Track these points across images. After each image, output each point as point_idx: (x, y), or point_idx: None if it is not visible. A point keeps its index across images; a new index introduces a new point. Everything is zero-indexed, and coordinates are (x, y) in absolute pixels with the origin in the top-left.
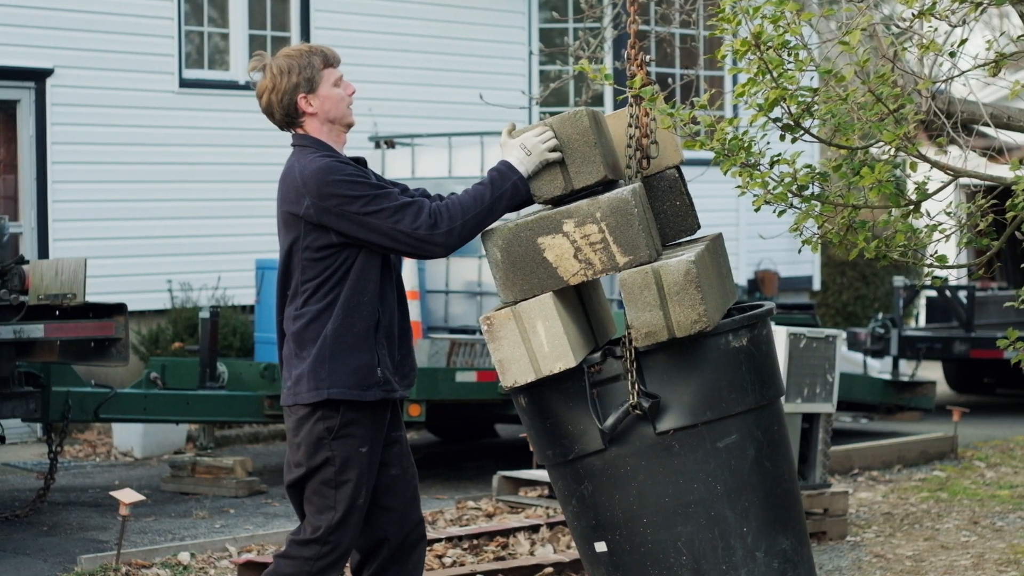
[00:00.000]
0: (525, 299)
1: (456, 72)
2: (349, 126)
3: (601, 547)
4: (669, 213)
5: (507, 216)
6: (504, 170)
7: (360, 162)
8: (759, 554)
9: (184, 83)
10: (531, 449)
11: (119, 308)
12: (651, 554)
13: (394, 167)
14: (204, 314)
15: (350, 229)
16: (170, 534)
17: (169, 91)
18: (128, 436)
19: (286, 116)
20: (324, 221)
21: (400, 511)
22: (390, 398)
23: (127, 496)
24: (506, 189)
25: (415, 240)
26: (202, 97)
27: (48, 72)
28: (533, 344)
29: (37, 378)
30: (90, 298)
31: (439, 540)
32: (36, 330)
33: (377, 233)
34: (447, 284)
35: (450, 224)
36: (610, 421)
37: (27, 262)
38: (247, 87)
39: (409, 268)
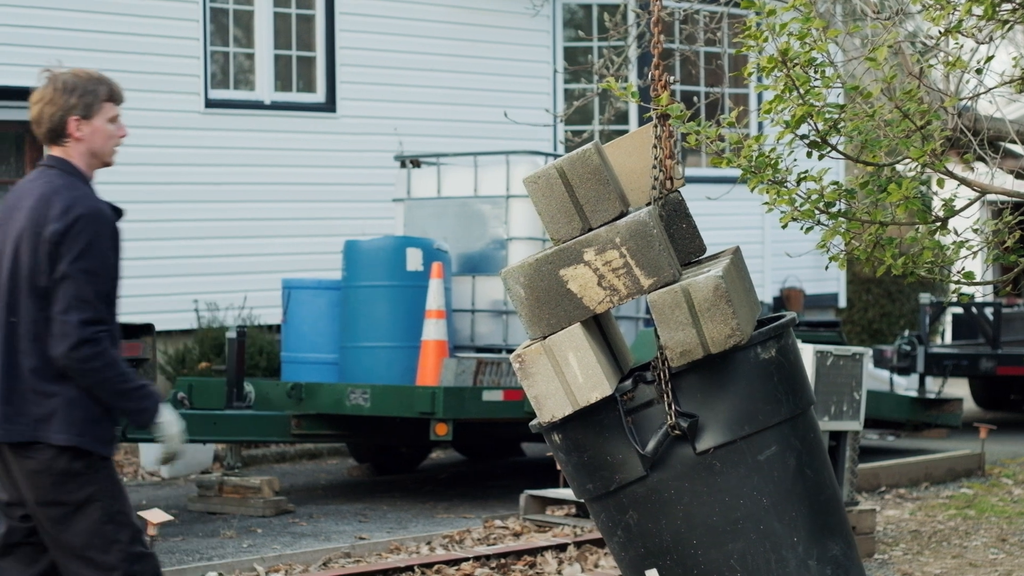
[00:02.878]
0: (553, 332)
1: (481, 91)
2: (107, 165)
3: (652, 574)
4: (676, 236)
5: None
6: (156, 400)
7: (117, 212)
8: (811, 562)
9: (210, 103)
10: (568, 484)
11: (146, 328)
12: (705, 574)
13: (420, 186)
14: (231, 334)
15: (53, 272)
16: (198, 554)
17: (195, 111)
18: (155, 456)
19: (51, 131)
20: (51, 252)
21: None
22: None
23: (155, 516)
24: (142, 401)
25: (66, 328)
26: (228, 117)
27: None
28: (567, 376)
29: None
30: (117, 318)
31: (467, 559)
32: None
33: (59, 296)
34: (473, 303)
35: (93, 351)
36: (651, 445)
37: None
38: (273, 107)
39: (436, 287)
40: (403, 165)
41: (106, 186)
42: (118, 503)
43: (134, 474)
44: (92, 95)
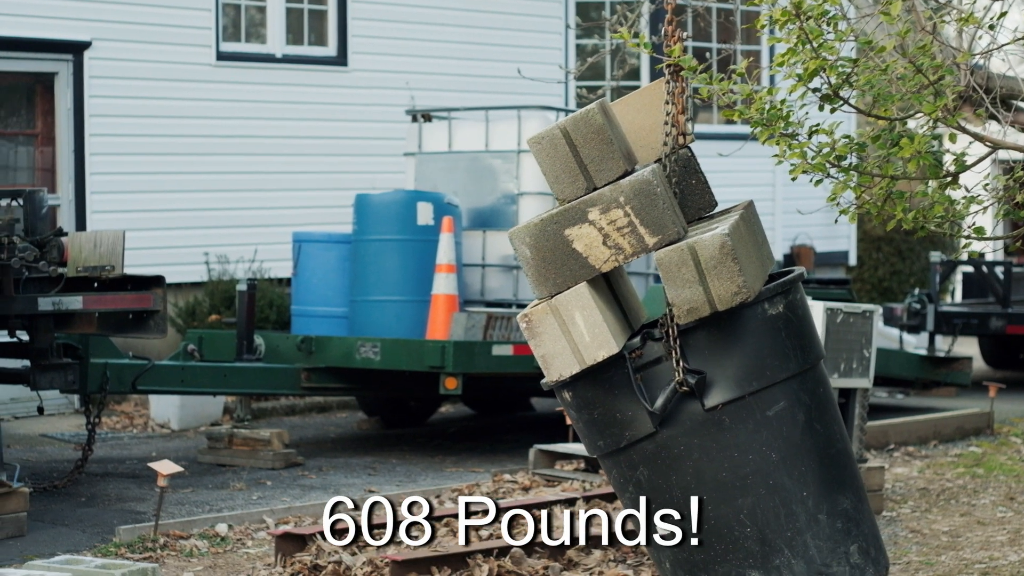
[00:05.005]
0: (560, 292)
1: (493, 46)
2: None
3: None
4: (686, 192)
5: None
6: None
7: None
8: (821, 516)
9: (221, 56)
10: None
11: (157, 280)
12: (715, 530)
13: (431, 141)
14: (241, 286)
15: None
16: (207, 506)
17: (206, 64)
18: (165, 408)
19: None
20: None
21: None
22: None
23: (165, 467)
24: None
25: None
26: (239, 70)
27: (86, 45)
28: (574, 335)
29: (75, 350)
30: (128, 270)
31: (475, 512)
32: (75, 302)
33: None
34: (483, 258)
35: None
36: (659, 402)
37: (66, 234)
38: (284, 60)
39: (446, 241)
40: (414, 119)
41: (116, 138)
42: None
43: (144, 426)
44: None
